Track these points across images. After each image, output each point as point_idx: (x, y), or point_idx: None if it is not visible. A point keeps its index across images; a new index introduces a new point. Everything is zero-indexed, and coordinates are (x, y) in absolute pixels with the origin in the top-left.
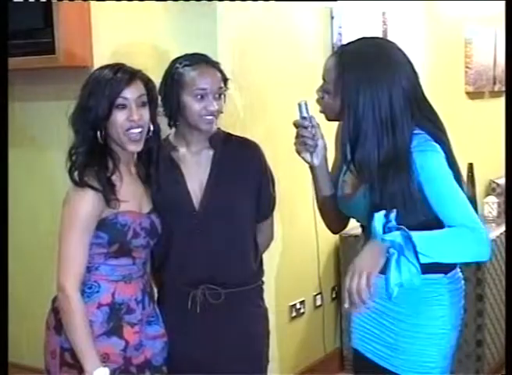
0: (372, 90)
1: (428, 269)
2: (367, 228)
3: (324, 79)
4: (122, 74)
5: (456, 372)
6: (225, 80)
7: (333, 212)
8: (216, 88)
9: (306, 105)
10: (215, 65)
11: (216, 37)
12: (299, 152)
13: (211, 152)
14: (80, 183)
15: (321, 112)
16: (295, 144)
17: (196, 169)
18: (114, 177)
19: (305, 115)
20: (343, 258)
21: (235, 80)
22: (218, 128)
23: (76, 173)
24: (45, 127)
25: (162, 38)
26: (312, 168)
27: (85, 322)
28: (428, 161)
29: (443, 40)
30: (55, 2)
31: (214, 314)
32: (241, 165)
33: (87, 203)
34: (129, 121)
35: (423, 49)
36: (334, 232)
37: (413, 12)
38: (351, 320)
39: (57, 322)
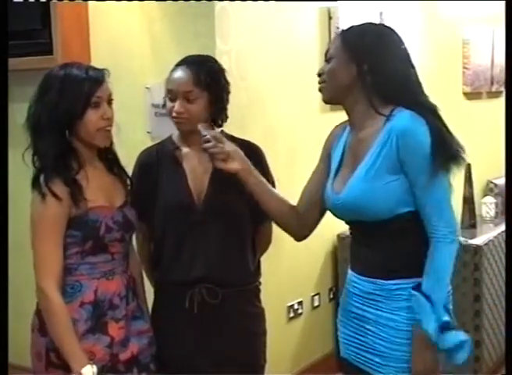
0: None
1: (414, 273)
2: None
3: (327, 51)
4: (94, 73)
5: (454, 373)
6: (200, 84)
7: (291, 219)
8: (182, 90)
9: (203, 126)
10: (193, 68)
11: (214, 38)
12: (216, 166)
13: None
14: (48, 192)
15: (320, 90)
16: (211, 161)
17: (198, 169)
18: (79, 177)
19: (205, 133)
20: (340, 259)
21: (233, 80)
22: (222, 130)
23: (42, 180)
24: None
25: (160, 39)
26: (242, 178)
27: (68, 321)
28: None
29: (441, 40)
30: (52, 3)
31: (211, 313)
32: None
33: (55, 205)
34: (103, 119)
35: (420, 50)
36: (297, 239)
37: (410, 13)
38: (338, 330)
39: (41, 323)
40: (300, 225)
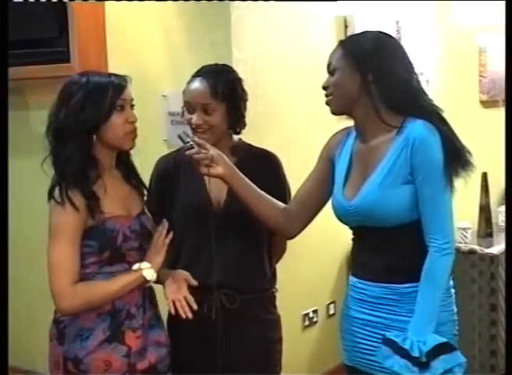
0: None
1: None
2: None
3: (329, 64)
4: (117, 78)
5: None
6: (217, 96)
7: (280, 219)
8: (199, 102)
9: (185, 132)
10: (211, 79)
11: (230, 47)
12: (200, 172)
13: (232, 160)
14: (66, 201)
15: (327, 103)
16: (196, 167)
17: None
18: (97, 187)
19: (187, 140)
20: None
21: (249, 89)
22: (240, 138)
23: (61, 189)
24: None
25: (177, 47)
26: (227, 182)
27: (97, 286)
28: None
29: (457, 48)
30: (70, 12)
31: (228, 319)
32: (260, 174)
33: (72, 215)
34: (128, 123)
35: (437, 58)
36: (287, 238)
37: (427, 21)
38: (342, 338)
39: (59, 332)
40: (291, 223)
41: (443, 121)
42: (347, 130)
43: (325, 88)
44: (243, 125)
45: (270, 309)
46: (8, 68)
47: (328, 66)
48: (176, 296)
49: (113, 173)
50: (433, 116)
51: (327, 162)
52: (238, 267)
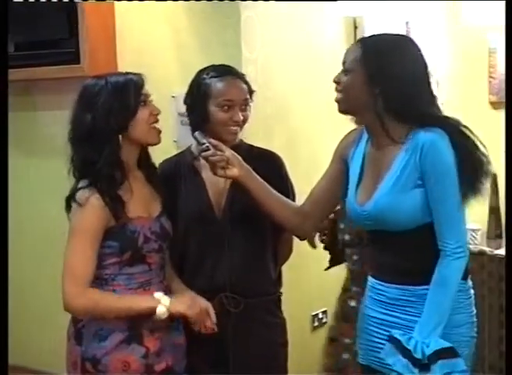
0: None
1: None
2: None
3: (344, 62)
4: (134, 76)
5: None
6: (250, 91)
7: (294, 219)
8: (242, 100)
9: (199, 133)
10: (241, 76)
11: (240, 47)
12: (216, 173)
13: None
14: (90, 204)
15: (336, 100)
16: (211, 170)
17: (218, 179)
18: (122, 191)
19: (203, 141)
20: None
21: (259, 90)
22: (241, 139)
23: (85, 191)
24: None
25: (186, 48)
26: (242, 183)
27: (106, 296)
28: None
29: (467, 49)
30: (80, 12)
31: (232, 323)
32: (262, 175)
33: (95, 218)
34: (153, 115)
35: (447, 59)
36: (301, 238)
37: (436, 22)
38: (358, 336)
39: (77, 332)
40: (304, 224)
41: (459, 131)
42: (360, 130)
43: (336, 82)
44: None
45: (275, 313)
46: (8, 68)
47: (344, 63)
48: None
49: (136, 174)
50: (445, 126)
51: (340, 162)
52: (242, 271)
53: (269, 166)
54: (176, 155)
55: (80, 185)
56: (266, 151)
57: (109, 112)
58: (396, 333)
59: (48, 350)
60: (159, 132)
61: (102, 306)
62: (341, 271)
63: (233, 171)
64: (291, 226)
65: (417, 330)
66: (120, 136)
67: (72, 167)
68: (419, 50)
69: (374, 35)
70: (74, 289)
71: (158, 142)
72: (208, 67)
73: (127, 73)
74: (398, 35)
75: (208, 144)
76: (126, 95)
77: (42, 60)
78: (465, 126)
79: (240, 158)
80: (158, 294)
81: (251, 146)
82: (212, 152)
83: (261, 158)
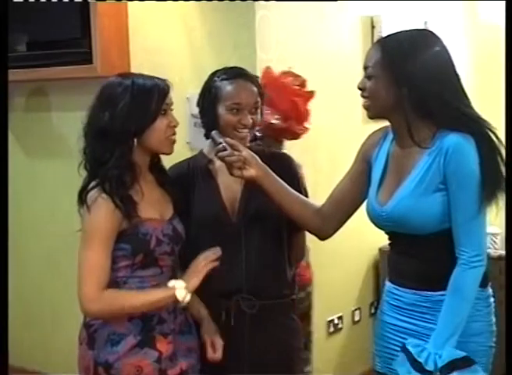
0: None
1: None
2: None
3: (366, 66)
4: (161, 81)
5: None
6: (261, 94)
7: (314, 219)
8: (252, 103)
9: (216, 133)
10: (252, 79)
11: (255, 48)
12: (233, 174)
13: None
14: (101, 205)
15: (364, 107)
16: (228, 170)
17: (231, 181)
18: (133, 191)
19: (220, 140)
20: (382, 273)
21: None
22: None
23: (97, 192)
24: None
25: (200, 48)
26: (260, 184)
27: (127, 295)
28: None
29: (486, 48)
30: (93, 12)
31: (247, 326)
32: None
33: (106, 219)
34: (170, 127)
35: (465, 58)
36: (321, 238)
37: (455, 21)
38: (374, 343)
39: (89, 337)
40: (325, 224)
41: (486, 136)
42: (385, 129)
43: (360, 89)
44: None
45: (290, 316)
46: (7, 69)
47: (365, 68)
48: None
49: (147, 177)
50: (473, 129)
51: (363, 163)
52: (257, 273)
53: (281, 166)
54: (188, 159)
55: (90, 185)
56: (276, 152)
57: (129, 114)
58: (410, 344)
59: (56, 352)
60: (174, 142)
61: (120, 308)
62: (357, 275)
63: (250, 171)
64: (311, 226)
65: (431, 340)
66: (135, 140)
67: (84, 160)
68: (442, 43)
69: (392, 34)
70: (91, 293)
71: (171, 152)
72: (220, 70)
73: (153, 78)
74: (417, 30)
75: (224, 144)
76: (149, 100)
77: (55, 60)
78: (493, 131)
79: (257, 158)
80: (172, 282)
81: (262, 148)
82: (229, 152)
83: (272, 159)
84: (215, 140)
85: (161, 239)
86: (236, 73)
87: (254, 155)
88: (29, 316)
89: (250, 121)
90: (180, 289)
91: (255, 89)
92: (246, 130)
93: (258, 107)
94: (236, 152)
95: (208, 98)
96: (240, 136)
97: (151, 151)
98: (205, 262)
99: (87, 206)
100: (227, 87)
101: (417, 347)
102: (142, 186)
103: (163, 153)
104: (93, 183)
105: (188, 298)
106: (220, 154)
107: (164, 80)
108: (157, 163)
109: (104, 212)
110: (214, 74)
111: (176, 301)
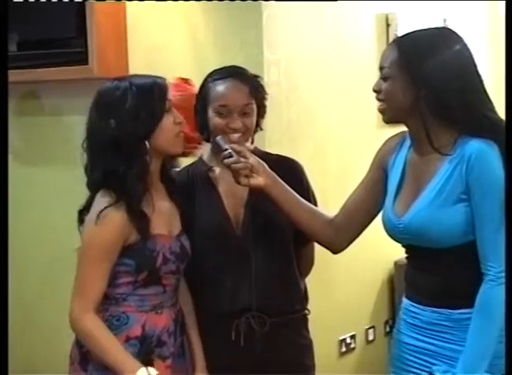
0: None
1: None
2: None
3: (381, 67)
4: (158, 79)
5: None
6: (256, 96)
7: (326, 231)
8: (240, 104)
9: (221, 138)
10: (245, 79)
11: (262, 47)
12: (239, 182)
13: None
14: (109, 218)
15: (379, 110)
16: (234, 178)
17: (234, 190)
18: (145, 203)
19: (226, 147)
20: (398, 288)
21: (282, 93)
22: (255, 147)
23: (104, 202)
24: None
25: (203, 48)
26: (268, 193)
27: (106, 334)
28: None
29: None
30: (89, 10)
31: (258, 344)
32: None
33: (112, 233)
34: (176, 124)
35: (486, 57)
36: (333, 252)
37: (476, 19)
38: (391, 364)
39: (82, 356)
40: (338, 237)
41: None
42: (402, 134)
43: (375, 91)
44: (258, 129)
45: (302, 333)
46: (7, 70)
47: (381, 69)
48: None
49: (158, 187)
50: (494, 134)
51: (379, 170)
52: (265, 288)
53: (289, 173)
54: (187, 166)
55: (98, 199)
56: (284, 157)
57: (137, 117)
58: (438, 371)
59: (57, 356)
60: (182, 141)
61: (93, 340)
62: (371, 290)
63: (258, 180)
64: (323, 238)
65: (460, 365)
66: (147, 144)
67: (88, 178)
68: (462, 42)
69: (409, 33)
70: (77, 311)
71: (181, 152)
72: (217, 69)
73: (149, 76)
74: (436, 29)
75: (230, 151)
76: (151, 99)
77: (48, 60)
78: None
79: (265, 165)
80: (143, 371)
81: (267, 153)
82: (235, 159)
83: (278, 164)
84: (220, 146)
85: (167, 257)
86: (228, 73)
87: (262, 162)
88: (29, 322)
89: (240, 125)
90: None
91: (246, 89)
92: (236, 135)
93: (251, 109)
94: (242, 159)
95: (200, 100)
96: (230, 140)
97: (162, 153)
98: None
99: (95, 220)
100: (215, 88)
101: (446, 373)
102: (153, 197)
103: (175, 153)
104: (102, 197)
105: None
106: (226, 161)
107: (161, 78)
108: (168, 173)
109: (114, 227)
110: (210, 74)
111: None
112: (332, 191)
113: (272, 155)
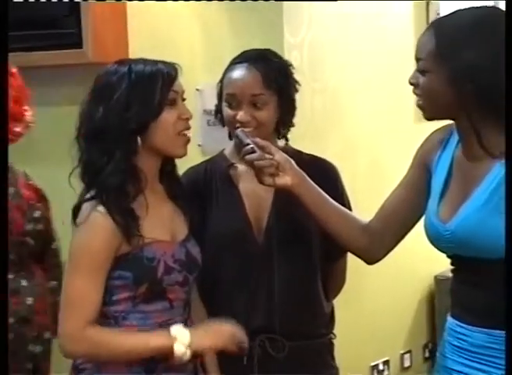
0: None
1: None
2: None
3: (418, 58)
4: (166, 66)
5: None
6: (274, 84)
7: (360, 237)
8: (249, 94)
9: (242, 131)
10: (262, 65)
11: (282, 29)
12: (263, 182)
13: None
14: (96, 221)
15: (419, 106)
16: (256, 177)
17: (258, 192)
18: (137, 204)
19: (247, 141)
20: (439, 307)
21: (305, 81)
22: (286, 143)
23: (91, 205)
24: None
25: (214, 30)
26: (295, 194)
27: (115, 335)
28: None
29: None
30: None
31: (274, 372)
32: None
33: (100, 238)
34: (181, 120)
35: None
36: (368, 262)
37: None
38: None
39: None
40: (373, 244)
41: None
42: (449, 128)
43: (412, 84)
44: (291, 126)
45: (327, 360)
46: (7, 70)
47: (417, 59)
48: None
49: (155, 188)
50: None
51: (421, 169)
52: (286, 307)
53: (322, 176)
54: (205, 162)
55: (82, 196)
56: (319, 158)
57: (127, 106)
58: None
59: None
60: (187, 141)
61: (106, 349)
62: (407, 309)
63: (285, 179)
64: (357, 247)
65: None
66: (139, 138)
67: (80, 170)
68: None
69: (450, 14)
70: (74, 331)
71: (184, 154)
72: (244, 51)
73: (157, 62)
74: (483, 8)
75: (253, 145)
76: (149, 91)
77: (35, 43)
78: None
79: (293, 162)
80: (176, 329)
81: (300, 152)
82: (259, 155)
83: (312, 166)
84: (241, 139)
85: (171, 266)
86: (246, 57)
87: (290, 158)
88: None
89: (247, 118)
90: (181, 343)
91: (259, 77)
92: (247, 129)
93: (263, 101)
94: (267, 155)
95: (219, 87)
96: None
97: (158, 153)
98: (232, 335)
99: (76, 222)
100: (228, 74)
101: None
102: (148, 198)
103: (174, 155)
104: (88, 195)
105: (187, 356)
106: (248, 157)
107: (170, 64)
108: (170, 171)
109: (99, 229)
110: (235, 57)
111: (169, 354)
112: (363, 193)
113: (305, 154)
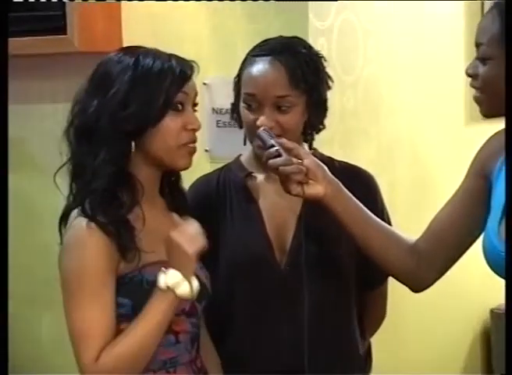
0: None
1: None
2: None
3: (478, 44)
4: (179, 63)
5: None
6: (302, 84)
7: (405, 259)
8: (272, 95)
9: (265, 131)
10: (288, 59)
11: (306, 13)
12: (290, 191)
13: None
14: (88, 235)
15: (476, 100)
16: (282, 185)
17: (281, 207)
18: (132, 217)
19: (271, 142)
20: (496, 345)
21: (333, 74)
22: (315, 149)
23: (81, 217)
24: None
25: (224, 15)
26: (328, 207)
27: (125, 335)
28: None
29: None
30: None
31: None
32: None
33: (97, 255)
34: (187, 130)
35: None
36: (415, 289)
37: None
38: None
39: None
40: (421, 268)
41: None
42: None
43: (470, 75)
44: (321, 129)
45: None
46: (7, 71)
47: (477, 45)
48: None
49: (155, 201)
50: None
51: (479, 179)
52: (315, 344)
53: (359, 186)
54: (217, 171)
55: (69, 203)
56: (354, 167)
57: (124, 104)
58: None
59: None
60: (192, 152)
61: (130, 353)
62: (458, 347)
63: (316, 188)
64: (402, 270)
65: None
66: (133, 143)
67: (67, 169)
68: None
69: None
70: (92, 364)
71: (187, 166)
72: (266, 40)
73: (171, 56)
74: None
75: (278, 148)
76: (155, 87)
77: (12, 29)
78: None
79: (326, 169)
80: (161, 280)
81: (332, 159)
82: (285, 159)
83: (345, 176)
84: (263, 140)
85: None
86: (270, 48)
87: (322, 164)
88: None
89: (271, 123)
90: (178, 283)
91: (284, 75)
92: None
93: (290, 103)
94: (295, 160)
95: (236, 83)
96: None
97: (156, 162)
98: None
99: (72, 236)
100: (248, 70)
101: None
102: (146, 212)
103: (174, 167)
104: (73, 202)
105: (196, 286)
106: (272, 161)
107: (187, 62)
108: (173, 183)
109: (92, 245)
110: (254, 47)
111: (182, 301)
112: (403, 208)
113: (337, 161)
